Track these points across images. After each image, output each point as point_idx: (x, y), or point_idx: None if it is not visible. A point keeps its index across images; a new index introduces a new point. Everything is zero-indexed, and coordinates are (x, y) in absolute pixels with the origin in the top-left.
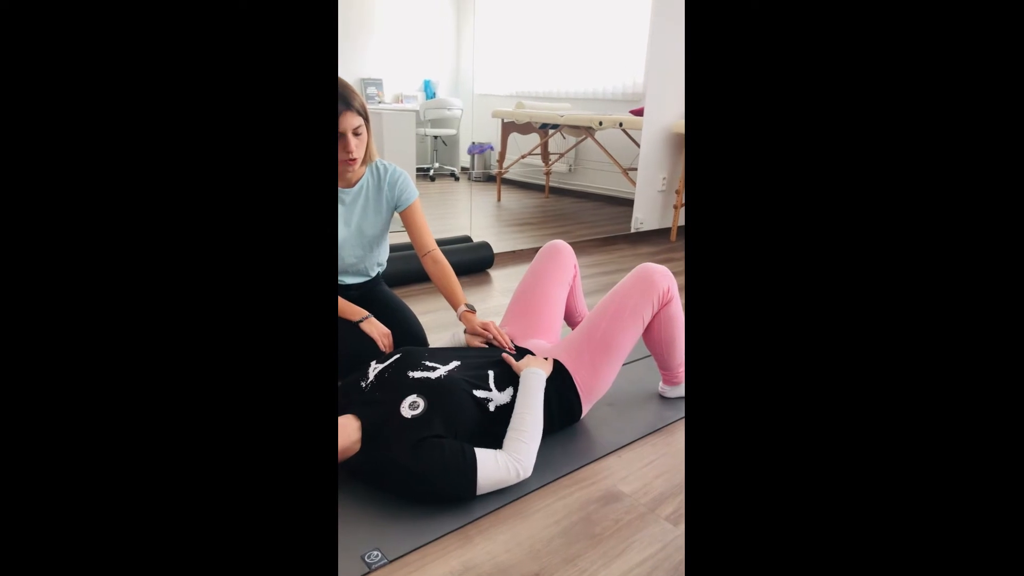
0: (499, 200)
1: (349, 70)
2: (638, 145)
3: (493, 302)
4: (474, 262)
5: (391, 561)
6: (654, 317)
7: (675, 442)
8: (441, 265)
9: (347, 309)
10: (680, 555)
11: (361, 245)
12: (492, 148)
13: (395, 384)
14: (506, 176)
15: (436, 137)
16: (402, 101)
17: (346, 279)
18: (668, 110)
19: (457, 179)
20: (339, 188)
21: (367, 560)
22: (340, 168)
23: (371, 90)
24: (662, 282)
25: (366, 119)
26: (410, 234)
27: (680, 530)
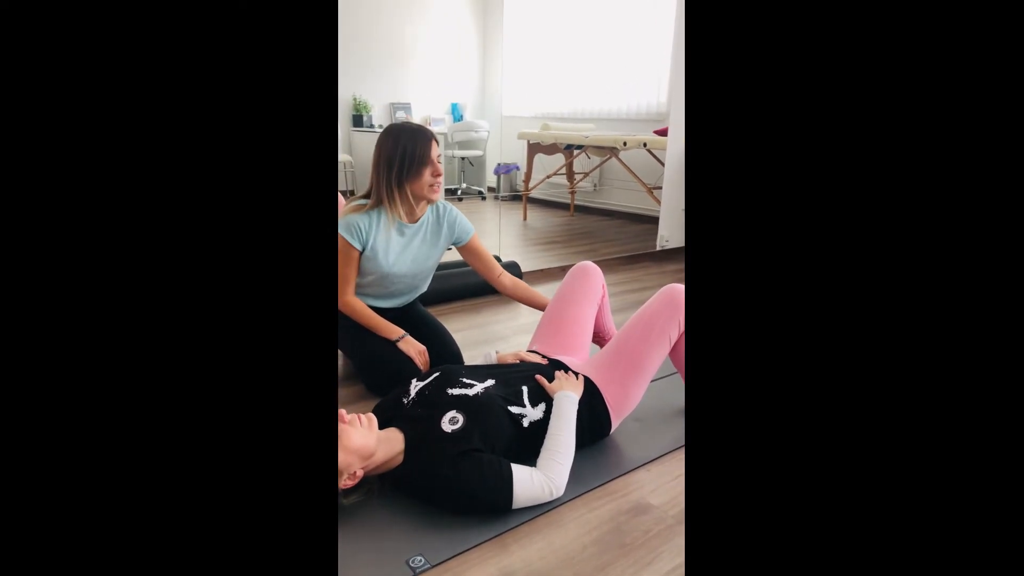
0: (525, 219)
1: (380, 94)
2: (663, 164)
3: (523, 320)
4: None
5: (434, 566)
6: (680, 336)
7: None
8: (515, 280)
9: (384, 328)
10: None
11: (413, 276)
12: (518, 168)
13: (435, 400)
14: (532, 195)
15: (464, 158)
16: (430, 124)
17: (387, 303)
18: None
19: (484, 198)
20: (403, 223)
21: (411, 565)
22: (427, 193)
23: (400, 114)
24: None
25: None
26: (477, 266)
27: None
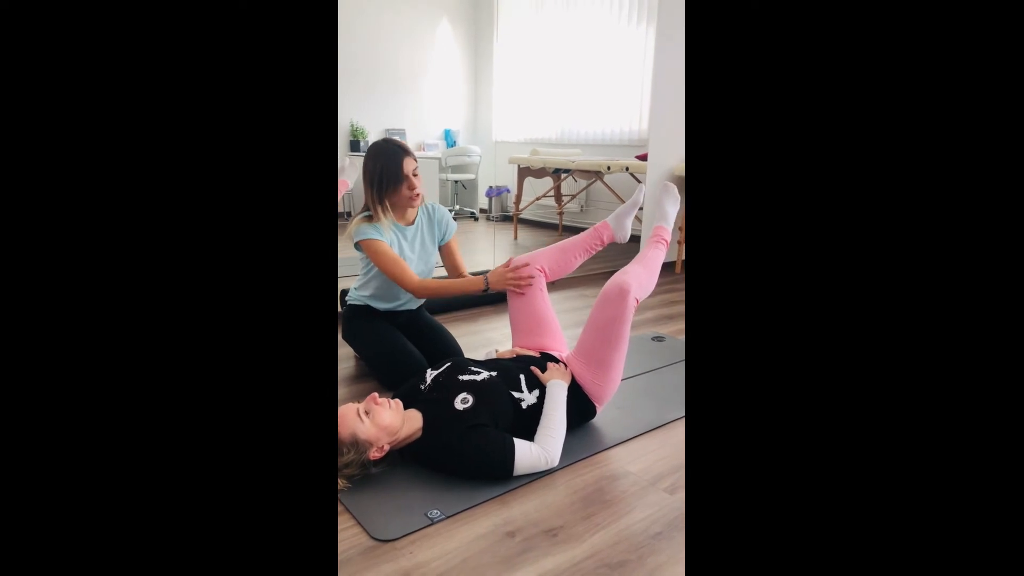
0: (516, 238)
1: (376, 121)
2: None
3: None
4: (497, 293)
5: (448, 516)
6: (639, 297)
7: (670, 436)
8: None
9: (469, 284)
10: (673, 514)
11: (419, 272)
12: (509, 191)
13: (448, 385)
14: (522, 216)
15: (457, 182)
16: (424, 149)
17: (396, 305)
18: (669, 155)
19: (477, 219)
20: (402, 226)
21: (430, 516)
22: (407, 203)
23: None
24: (628, 301)
25: None
26: (450, 261)
27: (673, 497)
